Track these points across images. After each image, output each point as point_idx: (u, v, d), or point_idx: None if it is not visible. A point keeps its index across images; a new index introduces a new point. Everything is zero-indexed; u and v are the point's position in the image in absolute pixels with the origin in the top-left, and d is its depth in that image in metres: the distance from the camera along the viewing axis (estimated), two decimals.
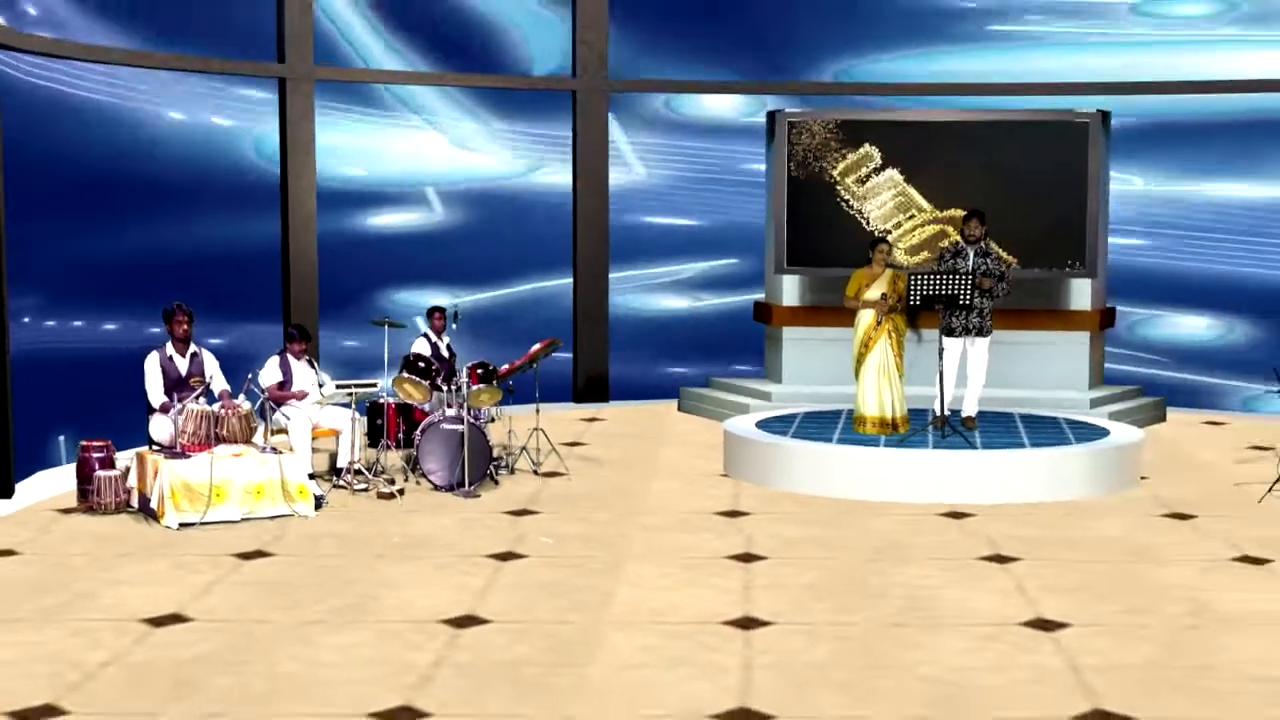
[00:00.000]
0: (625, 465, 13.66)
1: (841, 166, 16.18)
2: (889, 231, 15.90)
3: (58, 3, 13.63)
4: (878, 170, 16.11)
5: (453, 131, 17.14)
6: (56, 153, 13.48)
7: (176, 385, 11.80)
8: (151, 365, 11.86)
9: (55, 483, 12.41)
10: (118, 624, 8.40)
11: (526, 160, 17.54)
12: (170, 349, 11.91)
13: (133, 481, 11.43)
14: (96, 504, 11.36)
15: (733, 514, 11.57)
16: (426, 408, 13.04)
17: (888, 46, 17.62)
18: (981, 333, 13.38)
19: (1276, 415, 12.68)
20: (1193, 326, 17.36)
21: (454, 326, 13.73)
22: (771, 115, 16.64)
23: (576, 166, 17.41)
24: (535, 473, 13.14)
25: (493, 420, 13.48)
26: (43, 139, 13.24)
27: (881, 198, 16.13)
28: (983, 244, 13.41)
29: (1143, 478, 12.95)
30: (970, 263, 13.25)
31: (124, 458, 11.71)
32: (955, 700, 7.19)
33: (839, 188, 16.23)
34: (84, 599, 8.95)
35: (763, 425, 13.67)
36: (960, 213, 15.13)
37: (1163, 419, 16.49)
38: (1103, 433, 13.37)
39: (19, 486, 12.21)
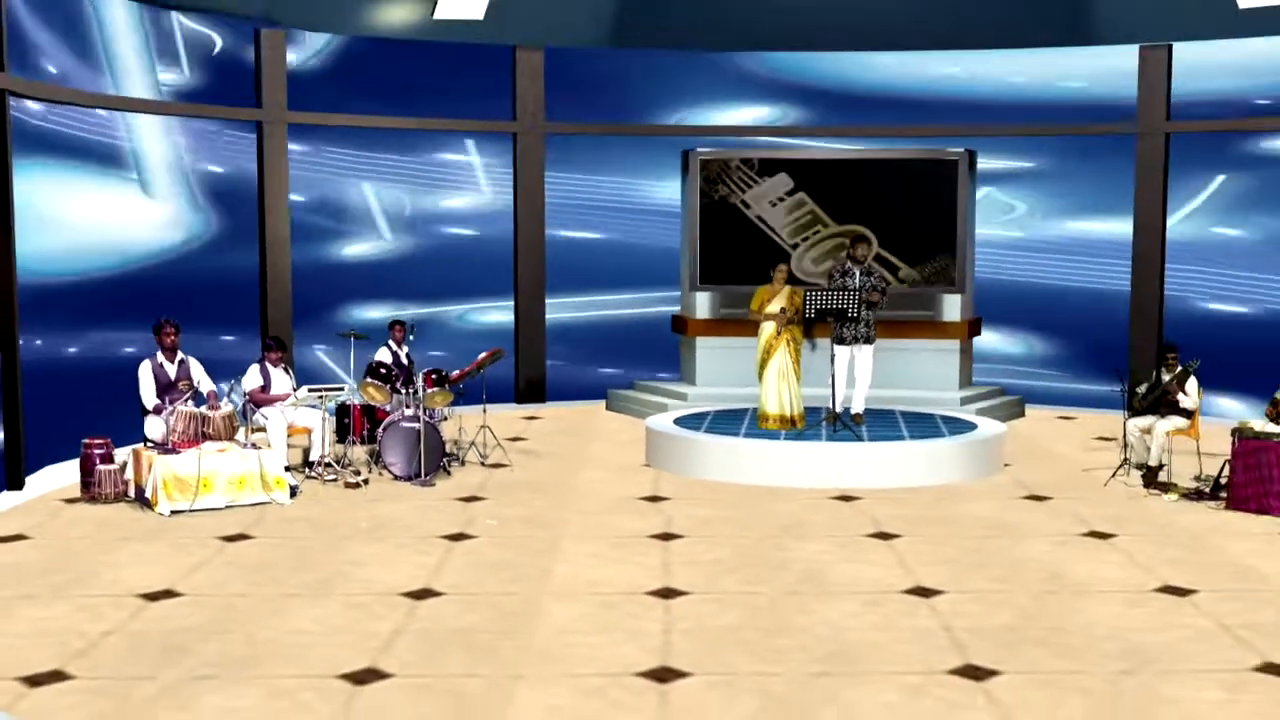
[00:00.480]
0: (561, 457, 13.65)
1: (753, 192, 16.29)
2: (797, 245, 16.04)
3: (66, 58, 13.50)
4: (790, 193, 16.24)
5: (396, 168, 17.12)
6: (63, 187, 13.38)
7: (166, 389, 11.74)
8: (144, 372, 11.81)
9: (61, 476, 12.27)
10: (117, 599, 8.34)
11: (475, 194, 17.53)
12: (160, 357, 11.86)
13: (129, 474, 11.34)
14: (97, 494, 11.28)
15: (654, 499, 11.59)
16: (388, 408, 12.99)
17: (780, 101, 17.74)
18: (867, 340, 13.50)
19: (1118, 411, 12.80)
20: (1048, 334, 17.51)
21: (411, 338, 13.70)
22: (685, 154, 16.70)
23: (517, 198, 17.38)
24: (482, 464, 13.11)
25: (445, 419, 13.45)
26: (51, 175, 13.13)
27: (793, 215, 16.26)
28: (866, 264, 13.52)
29: (1005, 465, 13.06)
30: (857, 281, 13.35)
31: (122, 453, 11.62)
32: (846, 656, 7.25)
33: (752, 209, 16.33)
34: (87, 578, 8.87)
35: (679, 422, 13.69)
36: (857, 228, 15.39)
37: (1022, 414, 16.63)
38: (971, 427, 13.47)
39: (29, 479, 12.09)
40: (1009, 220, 17.55)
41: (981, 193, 17.01)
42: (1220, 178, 16.57)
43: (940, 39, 16.91)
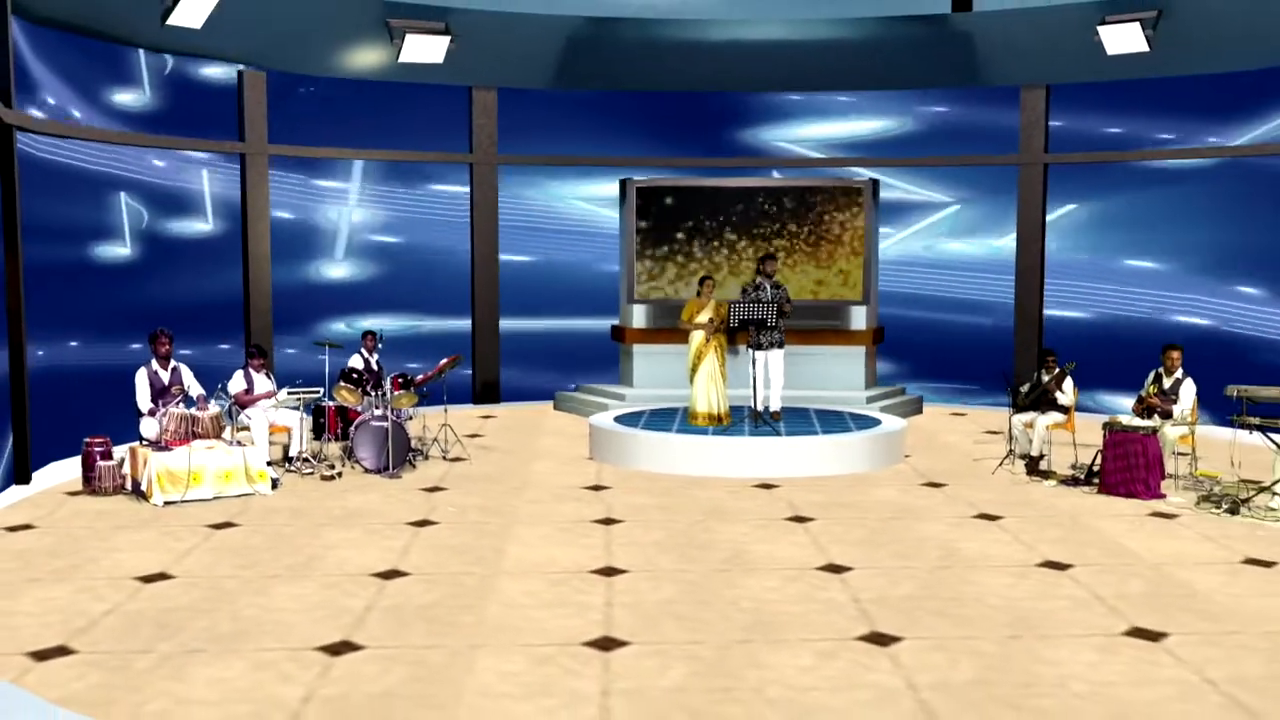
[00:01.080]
0: (513, 452, 13.61)
1: (691, 223, 16.39)
2: (719, 266, 16.12)
3: (70, 96, 13.35)
4: (715, 225, 16.34)
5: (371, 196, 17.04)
6: (68, 213, 13.23)
7: (160, 393, 11.65)
8: (140, 378, 11.70)
9: (64, 471, 12.14)
10: (115, 581, 8.25)
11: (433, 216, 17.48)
12: (155, 364, 11.76)
13: (127, 469, 11.26)
14: (98, 487, 11.17)
15: (596, 488, 11.57)
16: (359, 409, 12.93)
17: (712, 129, 17.79)
18: (779, 346, 13.54)
19: (1004, 407, 12.94)
20: (943, 338, 17.64)
21: (380, 346, 13.64)
22: (623, 182, 16.70)
23: (474, 222, 17.33)
24: (444, 458, 13.06)
25: (411, 418, 13.40)
26: (56, 203, 12.99)
27: (716, 241, 16.37)
28: (774, 279, 13.59)
29: (906, 456, 13.14)
30: (768, 294, 13.41)
31: (120, 451, 11.53)
32: (766, 626, 7.27)
33: (681, 235, 16.39)
34: (88, 562, 8.77)
35: (619, 420, 13.70)
36: (766, 247, 15.50)
37: (920, 411, 16.74)
38: (875, 422, 13.54)
39: (35, 474, 11.97)
40: (905, 239, 17.67)
41: (883, 215, 17.14)
42: (1070, 206, 16.79)
43: (848, 80, 17.02)
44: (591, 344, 17.46)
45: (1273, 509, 10.32)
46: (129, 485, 11.21)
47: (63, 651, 6.81)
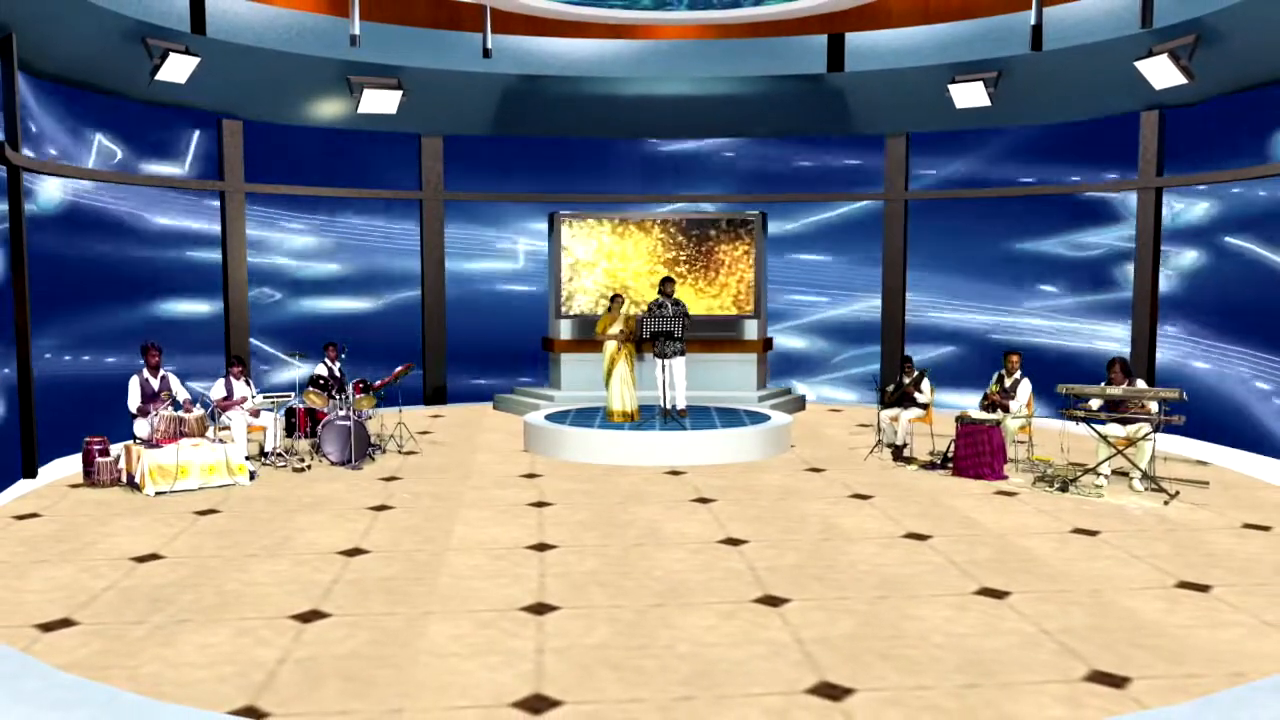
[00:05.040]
0: (459, 445, 13.53)
1: (604, 251, 16.38)
2: (626, 286, 16.14)
3: (68, 140, 13.08)
4: (630, 251, 16.34)
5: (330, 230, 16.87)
6: (69, 242, 12.98)
7: (150, 398, 11.48)
8: (133, 385, 11.54)
9: (67, 467, 11.90)
10: (113, 562, 8.09)
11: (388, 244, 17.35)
12: (146, 373, 11.60)
13: (122, 464, 11.05)
14: (97, 480, 10.95)
15: (530, 476, 11.54)
16: (326, 410, 12.80)
17: (627, 169, 17.83)
18: (682, 354, 13.58)
19: (873, 404, 13.12)
20: (821, 345, 17.83)
21: (343, 356, 13.51)
22: (551, 215, 16.69)
23: (424, 250, 17.22)
24: (399, 452, 12.95)
25: (370, 417, 13.27)
26: (60, 234, 12.74)
27: (632, 264, 16.37)
28: (674, 297, 13.66)
29: (792, 446, 13.25)
30: (670, 310, 13.46)
31: (116, 448, 11.33)
32: (677, 592, 7.30)
33: (600, 259, 16.40)
34: (89, 546, 8.59)
35: (549, 417, 13.67)
36: (665, 271, 15.56)
37: (803, 408, 16.88)
38: (766, 418, 13.63)
39: (41, 470, 11.73)
40: (789, 263, 17.83)
41: (770, 244, 17.28)
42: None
43: (741, 128, 17.15)
44: (526, 352, 17.44)
45: (1097, 487, 10.53)
46: (124, 478, 11.00)
47: (66, 623, 6.68)
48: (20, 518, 9.62)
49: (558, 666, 5.95)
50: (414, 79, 15.01)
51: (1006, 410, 11.75)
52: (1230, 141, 13.41)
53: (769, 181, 17.68)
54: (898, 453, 12.26)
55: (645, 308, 13.87)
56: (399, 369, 13.29)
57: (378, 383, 13.14)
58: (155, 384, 11.59)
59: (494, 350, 17.65)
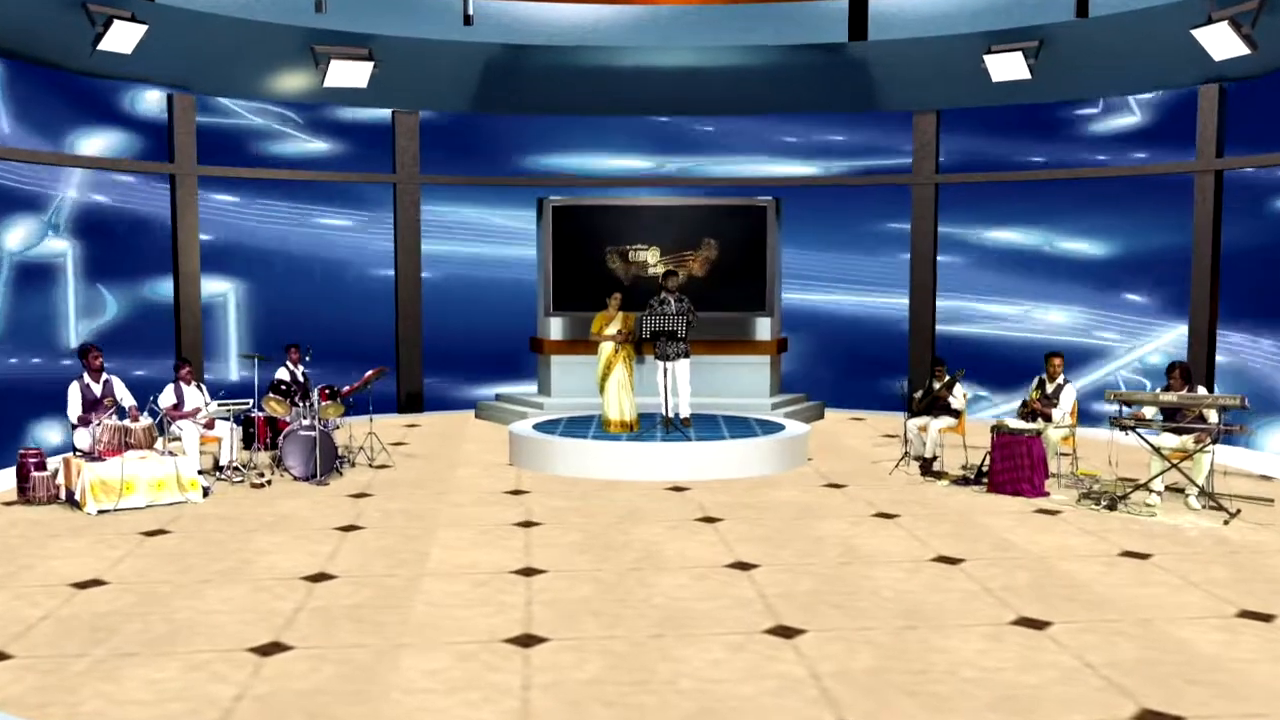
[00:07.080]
0: (436, 458, 13.55)
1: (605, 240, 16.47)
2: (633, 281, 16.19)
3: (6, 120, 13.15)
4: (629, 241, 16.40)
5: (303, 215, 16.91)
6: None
7: (93, 405, 11.48)
8: (73, 391, 11.53)
9: None
10: (50, 588, 8.10)
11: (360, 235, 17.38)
12: (87, 378, 11.59)
13: (60, 479, 11.06)
14: (32, 497, 10.97)
15: (516, 492, 11.56)
16: (288, 419, 12.82)
17: (624, 152, 17.85)
18: (686, 355, 13.62)
19: (899, 412, 13.14)
20: (840, 348, 17.85)
21: (307, 359, 13.54)
22: (540, 200, 16.72)
23: (397, 237, 17.26)
24: (370, 465, 12.98)
25: (338, 427, 13.29)
26: None
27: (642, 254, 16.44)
28: (677, 293, 13.68)
29: (808, 459, 13.27)
30: (673, 307, 13.49)
31: (54, 461, 11.34)
32: (678, 621, 7.30)
33: (596, 251, 16.46)
34: (24, 570, 8.60)
35: (538, 427, 13.69)
36: (669, 264, 15.57)
37: (822, 416, 16.91)
38: (780, 427, 13.65)
39: None
40: (807, 254, 17.85)
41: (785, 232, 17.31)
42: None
43: (752, 105, 17.18)
44: (513, 354, 17.46)
45: (1149, 505, 10.54)
46: (63, 495, 11.01)
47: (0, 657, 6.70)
48: None
49: (546, 704, 5.97)
50: (386, 49, 15.04)
51: (1048, 419, 11.76)
52: None
53: (783, 163, 17.69)
54: (927, 466, 12.27)
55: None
56: (370, 373, 13.30)
57: (346, 389, 13.16)
58: (97, 390, 11.58)
59: (477, 352, 17.67)
